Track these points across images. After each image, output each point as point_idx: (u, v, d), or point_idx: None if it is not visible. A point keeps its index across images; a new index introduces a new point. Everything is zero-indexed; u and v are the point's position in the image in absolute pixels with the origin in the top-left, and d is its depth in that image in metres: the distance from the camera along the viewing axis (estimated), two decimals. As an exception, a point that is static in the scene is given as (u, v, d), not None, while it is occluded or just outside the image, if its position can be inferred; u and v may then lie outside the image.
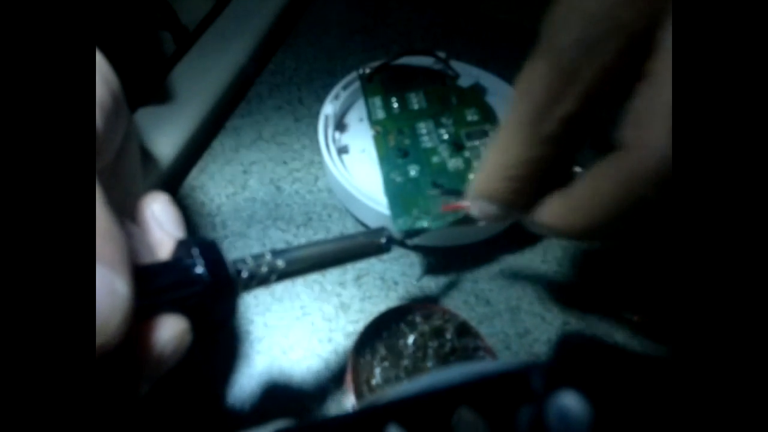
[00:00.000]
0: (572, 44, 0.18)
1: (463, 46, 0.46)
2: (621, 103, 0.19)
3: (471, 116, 0.35)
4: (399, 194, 0.31)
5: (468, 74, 0.37)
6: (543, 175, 0.21)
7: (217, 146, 0.38)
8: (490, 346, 0.28)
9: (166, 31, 0.42)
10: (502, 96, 0.38)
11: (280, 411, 0.28)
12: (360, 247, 0.24)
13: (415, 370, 0.27)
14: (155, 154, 0.34)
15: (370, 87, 0.36)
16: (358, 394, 0.26)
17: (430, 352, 0.27)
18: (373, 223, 0.33)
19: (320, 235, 0.34)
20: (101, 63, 0.18)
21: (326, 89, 0.38)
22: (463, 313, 0.30)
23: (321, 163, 0.37)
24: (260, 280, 0.20)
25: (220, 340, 0.29)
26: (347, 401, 0.27)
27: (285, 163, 0.38)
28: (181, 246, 0.19)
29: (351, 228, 0.35)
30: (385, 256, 0.33)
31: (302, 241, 0.34)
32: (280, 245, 0.33)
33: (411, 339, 0.27)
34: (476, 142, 0.33)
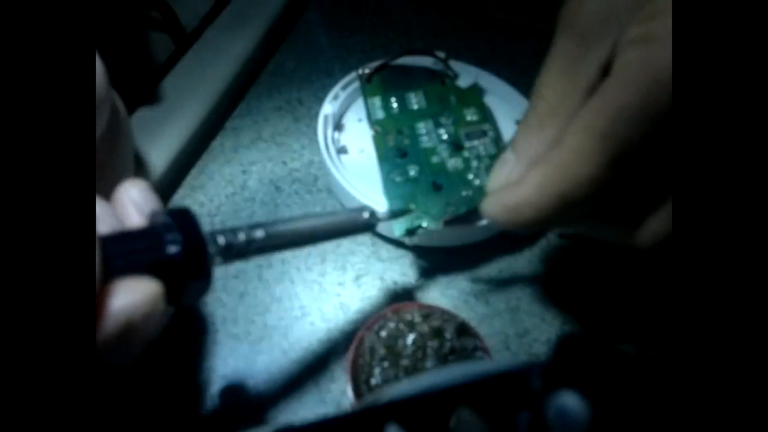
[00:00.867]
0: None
1: (463, 46, 0.46)
2: None
3: (470, 116, 0.35)
4: (398, 194, 0.31)
5: (467, 74, 0.37)
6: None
7: (217, 146, 0.38)
8: (490, 346, 0.28)
9: (165, 32, 0.42)
10: (501, 96, 0.38)
11: (280, 411, 0.28)
12: (343, 223, 0.24)
13: (414, 370, 0.27)
14: (154, 155, 0.34)
15: (369, 87, 0.36)
16: (358, 394, 0.26)
17: (430, 352, 0.27)
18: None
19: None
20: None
21: (325, 89, 0.38)
22: (463, 313, 0.30)
23: (320, 164, 0.37)
24: (239, 249, 0.19)
25: (219, 341, 0.30)
26: (346, 401, 0.27)
27: (284, 163, 0.38)
28: (155, 216, 0.18)
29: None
30: (384, 256, 0.33)
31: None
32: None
33: (410, 339, 0.27)
34: (475, 142, 0.33)
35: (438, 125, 0.34)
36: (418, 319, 0.28)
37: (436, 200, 0.30)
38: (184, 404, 0.27)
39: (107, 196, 0.19)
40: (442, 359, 0.27)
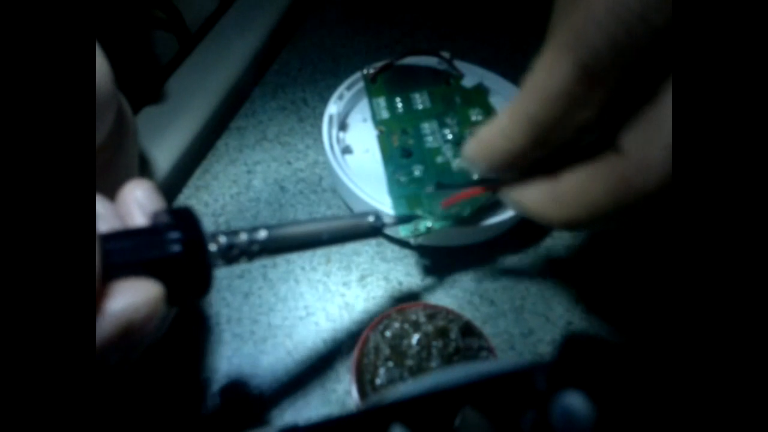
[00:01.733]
0: (606, 42, 0.17)
1: (467, 46, 0.46)
2: (628, 114, 0.18)
3: (475, 116, 0.35)
4: (403, 194, 0.31)
5: (472, 74, 0.37)
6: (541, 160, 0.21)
7: (221, 146, 0.38)
8: (494, 346, 0.28)
9: (170, 32, 0.42)
10: (506, 96, 0.38)
11: (284, 411, 0.28)
12: (349, 227, 0.23)
13: (419, 370, 0.27)
14: (159, 154, 0.34)
15: (374, 87, 0.36)
16: (362, 394, 0.26)
17: (434, 352, 0.27)
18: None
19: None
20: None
21: (330, 89, 0.38)
22: (467, 313, 0.30)
23: (325, 163, 0.37)
24: (241, 250, 0.19)
25: (223, 341, 0.30)
26: (351, 401, 0.27)
27: (289, 163, 0.38)
28: (157, 215, 0.18)
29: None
30: (389, 256, 0.33)
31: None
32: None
33: (415, 339, 0.27)
34: (480, 142, 0.33)
35: (443, 125, 0.34)
36: (422, 319, 0.28)
37: (440, 200, 0.30)
38: (188, 404, 0.27)
39: (112, 196, 0.19)
40: (447, 359, 0.27)
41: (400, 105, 0.36)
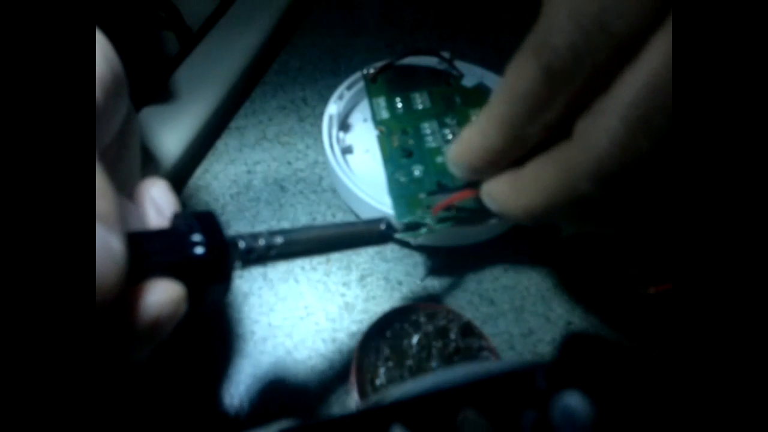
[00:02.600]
0: (566, 47, 0.17)
1: (468, 46, 0.46)
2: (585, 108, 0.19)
3: (475, 116, 0.35)
4: (403, 194, 0.31)
5: (472, 74, 0.37)
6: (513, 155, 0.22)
7: (221, 146, 0.38)
8: (494, 346, 0.28)
9: (170, 31, 0.42)
10: (506, 96, 0.38)
11: (284, 411, 0.28)
12: (360, 233, 0.24)
13: (419, 370, 0.27)
14: (159, 154, 0.34)
15: (374, 87, 0.36)
16: (362, 394, 0.26)
17: (434, 352, 0.27)
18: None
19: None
20: (102, 41, 0.18)
21: (330, 89, 0.38)
22: (467, 313, 0.30)
23: (325, 164, 0.37)
24: (259, 254, 0.20)
25: (224, 341, 0.30)
26: (351, 401, 0.27)
27: (289, 163, 0.38)
28: (178, 217, 0.19)
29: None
30: (389, 256, 0.33)
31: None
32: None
33: (415, 339, 0.27)
34: (480, 142, 0.33)
35: (443, 125, 0.34)
36: (422, 319, 0.28)
37: (440, 200, 0.30)
38: (187, 404, 0.27)
39: (118, 184, 0.19)
40: (447, 359, 0.27)
41: (400, 105, 0.35)
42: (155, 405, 0.27)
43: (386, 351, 0.27)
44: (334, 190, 0.36)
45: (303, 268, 0.32)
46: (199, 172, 0.37)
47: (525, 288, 0.32)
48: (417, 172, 0.32)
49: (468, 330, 0.28)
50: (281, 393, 0.28)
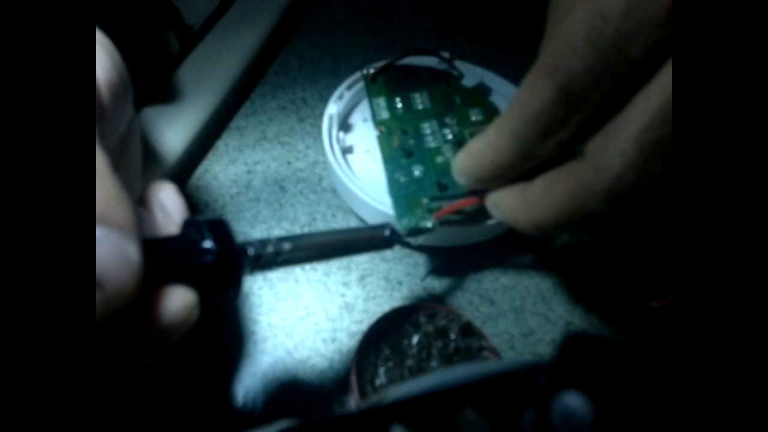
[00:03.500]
0: (583, 69, 0.18)
1: (468, 46, 0.46)
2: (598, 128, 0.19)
3: (475, 116, 0.35)
4: (403, 194, 0.31)
5: (472, 74, 0.37)
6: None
7: (221, 146, 0.38)
8: (494, 346, 0.28)
9: (170, 31, 0.42)
10: (506, 96, 0.38)
11: (284, 411, 0.28)
12: (365, 239, 0.24)
13: (419, 370, 0.27)
14: (159, 154, 0.34)
15: (374, 87, 0.36)
16: (362, 394, 0.26)
17: (434, 352, 0.27)
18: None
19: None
20: (108, 44, 0.18)
21: (330, 89, 0.38)
22: (467, 313, 0.30)
23: (325, 164, 0.37)
24: (267, 261, 0.20)
25: (224, 341, 0.30)
26: (351, 401, 0.27)
27: (289, 163, 0.38)
28: (189, 223, 0.19)
29: (355, 228, 0.35)
30: (389, 256, 0.33)
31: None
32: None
33: (415, 339, 0.27)
34: (480, 142, 0.33)
35: (443, 125, 0.34)
36: (422, 319, 0.28)
37: (443, 206, 0.30)
38: (187, 404, 0.27)
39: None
40: (447, 359, 0.27)
41: (400, 105, 0.35)
42: (156, 405, 0.27)
43: (386, 351, 0.27)
44: (334, 190, 0.36)
45: (303, 268, 0.32)
46: (199, 172, 0.37)
47: (525, 288, 0.32)
48: (417, 172, 0.32)
49: (468, 330, 0.28)
50: (281, 393, 0.28)
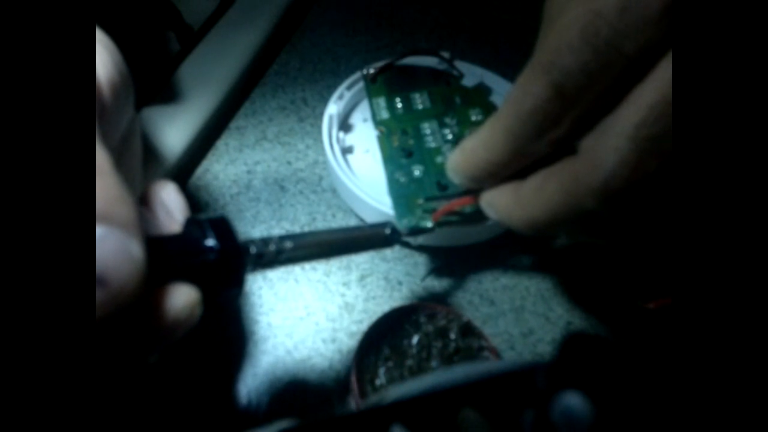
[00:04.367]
0: (579, 68, 0.18)
1: (468, 46, 0.46)
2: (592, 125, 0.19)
3: (475, 116, 0.35)
4: (403, 194, 0.31)
5: (472, 74, 0.37)
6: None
7: (221, 146, 0.38)
8: (494, 346, 0.28)
9: (170, 31, 0.42)
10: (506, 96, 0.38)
11: (284, 411, 0.28)
12: (366, 237, 0.24)
13: (419, 370, 0.27)
14: (160, 154, 0.34)
15: (374, 87, 0.36)
16: (362, 394, 0.26)
17: (434, 352, 0.27)
18: (377, 223, 0.33)
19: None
20: (109, 43, 0.18)
21: (330, 89, 0.38)
22: (467, 313, 0.30)
23: (325, 164, 0.37)
24: (269, 259, 0.20)
25: (224, 340, 0.30)
26: (351, 401, 0.27)
27: (289, 163, 0.38)
28: (191, 222, 0.19)
29: (355, 228, 0.35)
30: (389, 256, 0.33)
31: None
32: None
33: (415, 339, 0.27)
34: (480, 142, 0.33)
35: (443, 125, 0.34)
36: (422, 319, 0.28)
37: (439, 206, 0.30)
38: (187, 404, 0.27)
39: None
40: (447, 359, 0.27)
41: (400, 105, 0.36)
42: (155, 404, 0.27)
43: (386, 351, 0.27)
44: (334, 190, 0.36)
45: (303, 268, 0.32)
46: (199, 172, 0.37)
47: (525, 288, 0.32)
48: (417, 172, 0.32)
49: (468, 330, 0.28)
50: (281, 393, 0.28)
